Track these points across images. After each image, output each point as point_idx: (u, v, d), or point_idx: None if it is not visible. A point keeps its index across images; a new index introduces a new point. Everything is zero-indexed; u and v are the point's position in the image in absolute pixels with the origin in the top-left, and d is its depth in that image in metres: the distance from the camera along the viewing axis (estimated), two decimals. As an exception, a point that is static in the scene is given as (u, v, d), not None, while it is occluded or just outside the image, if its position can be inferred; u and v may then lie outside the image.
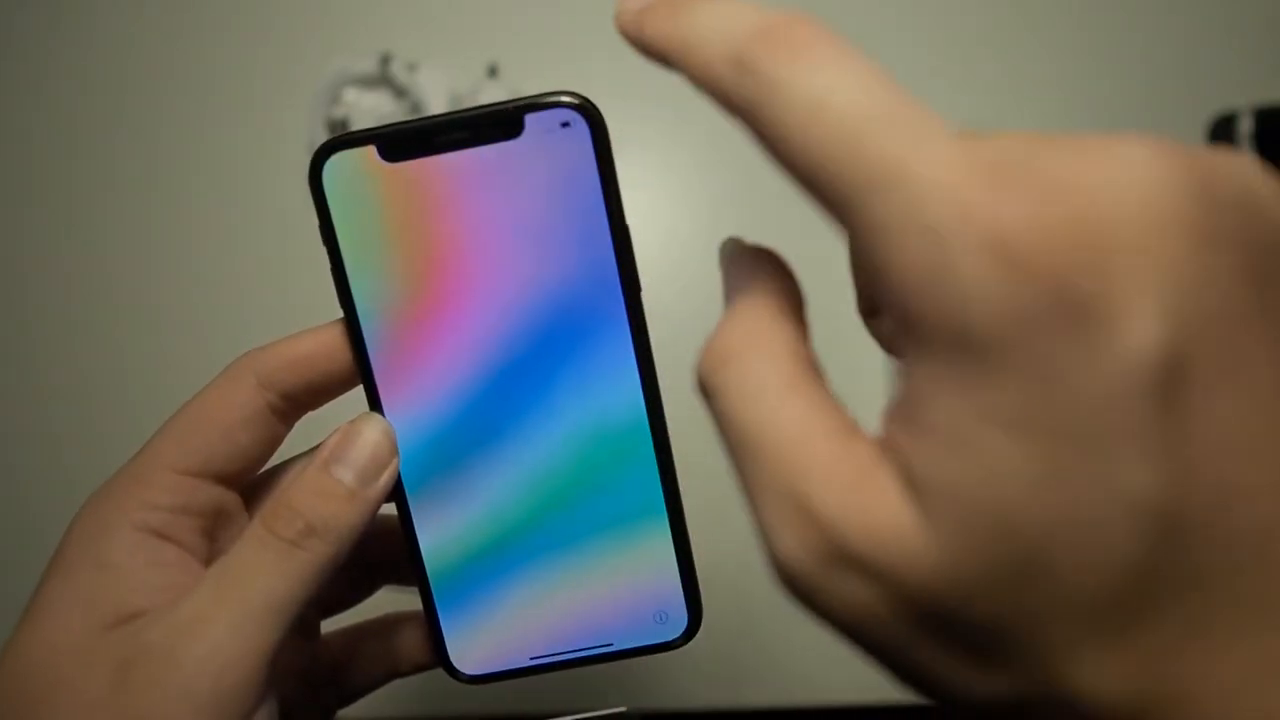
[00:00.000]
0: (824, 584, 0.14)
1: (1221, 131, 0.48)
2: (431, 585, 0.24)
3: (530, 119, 0.21)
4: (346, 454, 0.22)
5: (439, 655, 0.24)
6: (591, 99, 0.21)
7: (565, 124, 0.21)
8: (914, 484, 0.14)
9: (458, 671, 0.24)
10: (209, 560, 0.22)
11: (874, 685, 0.43)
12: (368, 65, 0.46)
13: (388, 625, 0.27)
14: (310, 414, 0.24)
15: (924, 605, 0.14)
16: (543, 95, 0.21)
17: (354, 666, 0.27)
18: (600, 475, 0.23)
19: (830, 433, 0.15)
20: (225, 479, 0.22)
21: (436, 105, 0.46)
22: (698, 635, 0.24)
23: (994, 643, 0.14)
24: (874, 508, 0.14)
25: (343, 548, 0.21)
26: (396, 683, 0.29)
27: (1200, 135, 0.48)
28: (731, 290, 0.18)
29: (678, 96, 0.50)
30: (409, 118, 0.22)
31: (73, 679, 0.19)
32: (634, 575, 0.23)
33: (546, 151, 0.21)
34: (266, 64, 0.51)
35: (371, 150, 0.21)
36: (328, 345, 0.22)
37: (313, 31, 0.51)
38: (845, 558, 0.14)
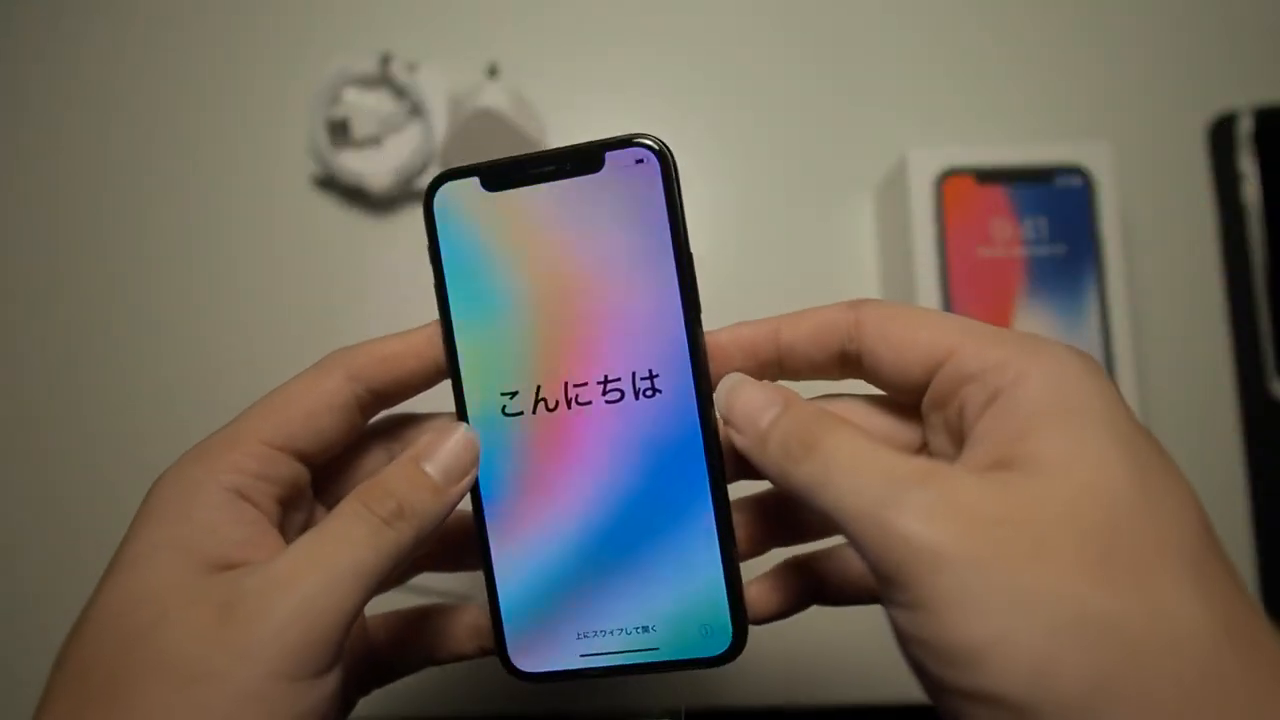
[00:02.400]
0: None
1: (1221, 131, 0.48)
2: (498, 587, 0.26)
3: (610, 155, 0.25)
4: (435, 454, 0.24)
5: (500, 653, 0.26)
6: (665, 141, 0.25)
7: (640, 160, 0.25)
8: None
9: (516, 669, 0.26)
10: (281, 526, 0.25)
11: (874, 685, 0.43)
12: (368, 65, 0.46)
13: (431, 614, 0.29)
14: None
15: None
16: (622, 136, 0.25)
17: (394, 649, 0.29)
18: (657, 484, 0.25)
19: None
20: (304, 457, 0.25)
21: (436, 105, 0.46)
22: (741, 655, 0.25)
23: None
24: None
25: (423, 534, 0.23)
26: (405, 681, 0.29)
27: (1200, 135, 0.49)
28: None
29: (677, 99, 0.50)
30: (509, 155, 0.26)
31: (178, 612, 0.21)
32: (684, 587, 0.25)
33: (623, 184, 0.25)
34: (267, 63, 0.51)
35: (475, 181, 0.25)
36: (414, 346, 0.26)
37: (313, 31, 0.51)
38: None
